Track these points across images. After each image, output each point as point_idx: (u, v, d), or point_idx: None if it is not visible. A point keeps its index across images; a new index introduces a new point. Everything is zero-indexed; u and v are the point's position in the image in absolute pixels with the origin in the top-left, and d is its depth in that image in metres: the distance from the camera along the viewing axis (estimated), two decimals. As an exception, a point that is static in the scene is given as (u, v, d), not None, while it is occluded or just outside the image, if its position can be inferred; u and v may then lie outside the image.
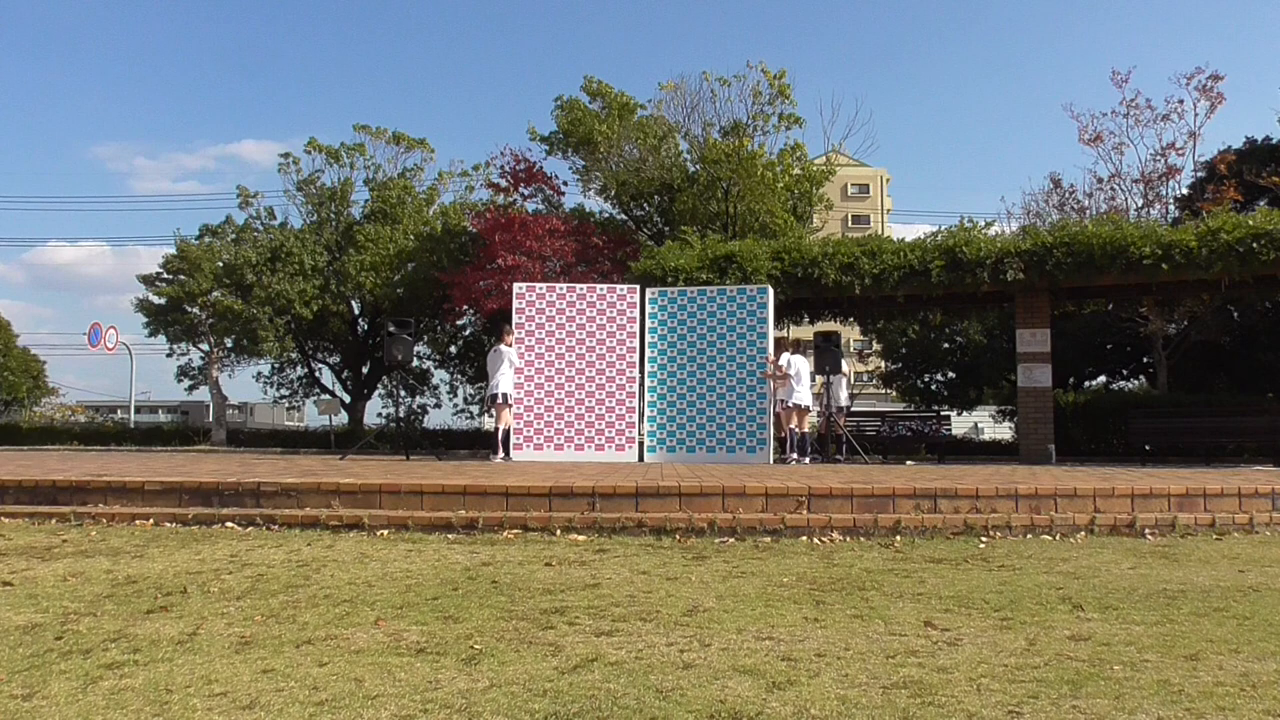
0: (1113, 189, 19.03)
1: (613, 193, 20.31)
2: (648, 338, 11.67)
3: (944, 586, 4.39)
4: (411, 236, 23.01)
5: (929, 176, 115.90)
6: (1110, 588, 4.37)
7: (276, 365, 25.89)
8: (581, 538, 5.85)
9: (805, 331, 15.32)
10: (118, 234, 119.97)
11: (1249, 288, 12.93)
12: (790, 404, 11.36)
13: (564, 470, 8.41)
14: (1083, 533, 6.11)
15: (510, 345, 11.34)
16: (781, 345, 11.92)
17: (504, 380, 11.15)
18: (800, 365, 11.48)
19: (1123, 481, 7.01)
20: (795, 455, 11.29)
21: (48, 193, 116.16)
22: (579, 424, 11.36)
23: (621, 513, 6.14)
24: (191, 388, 26.65)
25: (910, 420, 15.37)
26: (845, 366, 13.60)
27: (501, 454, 11.13)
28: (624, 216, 21.10)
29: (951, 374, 20.74)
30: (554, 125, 20.67)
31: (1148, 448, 13.09)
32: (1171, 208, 18.82)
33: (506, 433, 11.29)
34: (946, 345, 20.47)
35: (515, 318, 11.57)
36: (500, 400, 11.18)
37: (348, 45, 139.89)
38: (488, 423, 20.84)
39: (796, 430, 11.42)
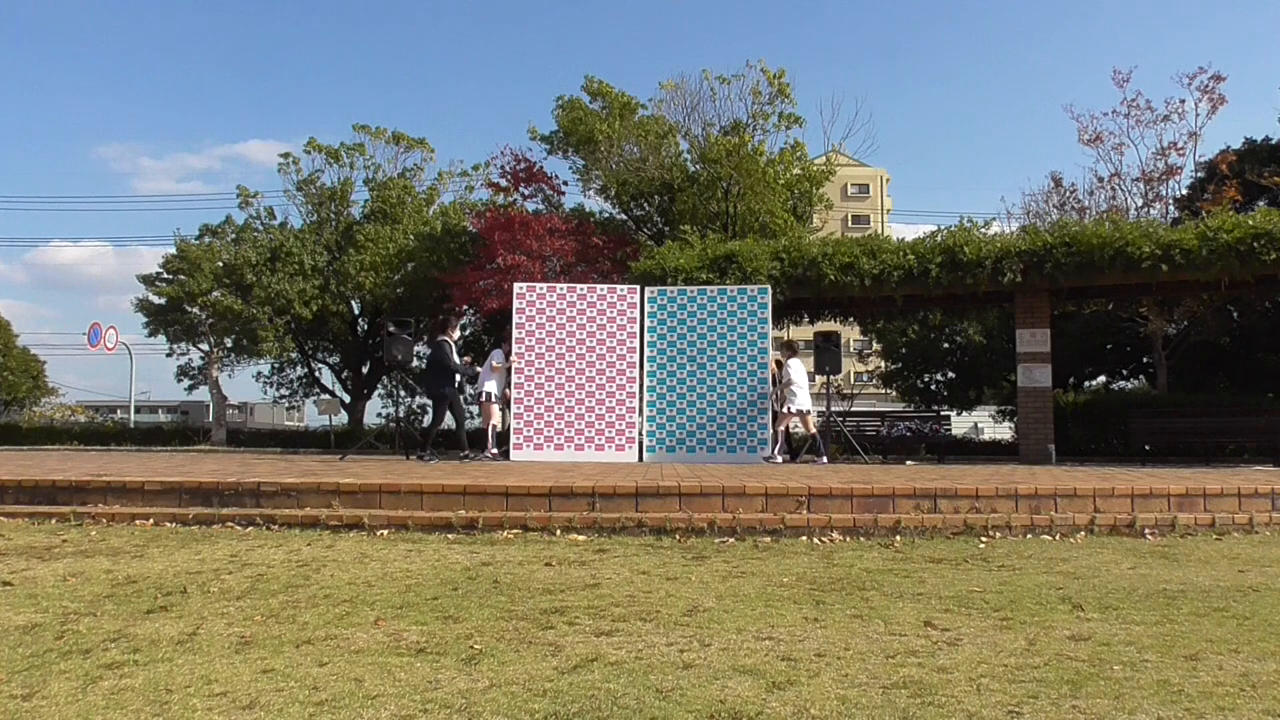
0: (1113, 189, 18.99)
1: (613, 192, 20.29)
2: (647, 337, 11.67)
3: (944, 586, 4.39)
4: (411, 236, 22.99)
5: (929, 177, 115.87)
6: (1110, 588, 4.37)
7: (276, 365, 25.89)
8: (581, 538, 5.85)
9: (805, 331, 15.29)
10: (120, 234, 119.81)
11: (1249, 288, 12.92)
12: (789, 409, 11.35)
13: (564, 470, 8.41)
14: (1083, 533, 6.11)
15: (497, 350, 11.87)
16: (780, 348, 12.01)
17: (489, 384, 11.64)
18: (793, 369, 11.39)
19: (1123, 481, 7.01)
20: (810, 456, 11.48)
21: (50, 193, 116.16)
22: (579, 424, 11.36)
23: (621, 513, 6.14)
24: (191, 388, 26.68)
25: (910, 420, 15.37)
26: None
27: (494, 449, 11.41)
28: (624, 216, 21.07)
29: (951, 374, 20.72)
30: (554, 125, 20.66)
31: (1148, 448, 13.08)
32: (1171, 208, 18.79)
33: (500, 432, 11.61)
34: (946, 345, 20.45)
35: (515, 318, 11.59)
36: (484, 399, 11.70)
37: (348, 45, 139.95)
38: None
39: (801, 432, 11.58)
